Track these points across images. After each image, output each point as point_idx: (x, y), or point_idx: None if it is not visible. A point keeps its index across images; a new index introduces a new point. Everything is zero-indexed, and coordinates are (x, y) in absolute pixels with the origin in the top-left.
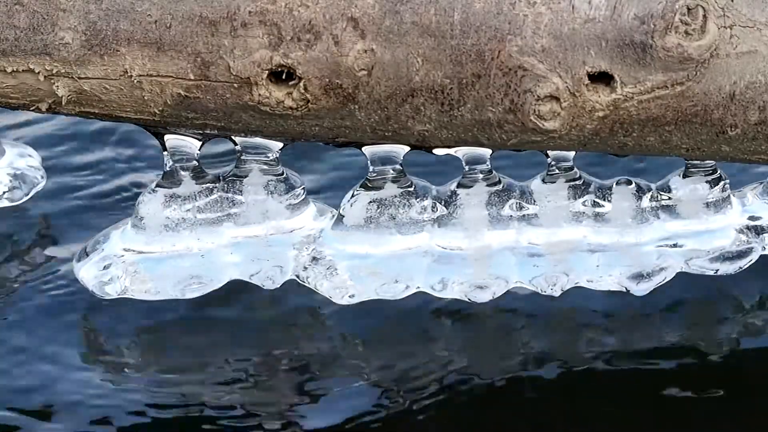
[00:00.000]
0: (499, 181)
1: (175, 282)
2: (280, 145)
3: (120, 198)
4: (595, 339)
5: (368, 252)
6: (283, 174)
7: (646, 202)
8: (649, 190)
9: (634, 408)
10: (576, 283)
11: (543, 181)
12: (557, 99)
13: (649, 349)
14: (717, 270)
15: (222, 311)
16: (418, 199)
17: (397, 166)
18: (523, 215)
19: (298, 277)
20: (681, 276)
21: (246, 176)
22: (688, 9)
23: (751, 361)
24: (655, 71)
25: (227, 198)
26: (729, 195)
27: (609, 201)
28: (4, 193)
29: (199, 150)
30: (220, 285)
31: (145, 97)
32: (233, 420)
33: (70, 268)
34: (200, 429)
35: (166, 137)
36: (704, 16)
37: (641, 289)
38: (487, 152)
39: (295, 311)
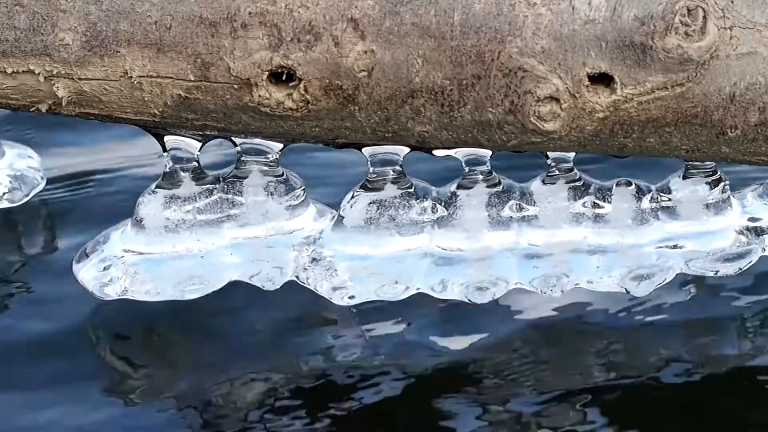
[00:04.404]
0: (499, 182)
1: (175, 283)
2: (280, 146)
3: (120, 199)
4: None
5: (368, 253)
6: (283, 175)
7: (646, 203)
8: (649, 191)
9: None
10: (576, 284)
11: (543, 182)
12: (557, 100)
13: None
14: (717, 271)
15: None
16: (418, 200)
17: (397, 167)
18: (523, 216)
19: (298, 278)
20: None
21: (246, 177)
22: (688, 10)
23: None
24: (655, 72)
25: (227, 199)
26: (729, 196)
27: (609, 202)
28: (3, 194)
29: (199, 151)
30: (220, 286)
31: (145, 98)
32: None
33: (70, 269)
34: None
35: (166, 138)
36: (704, 18)
37: (641, 290)
38: (487, 153)
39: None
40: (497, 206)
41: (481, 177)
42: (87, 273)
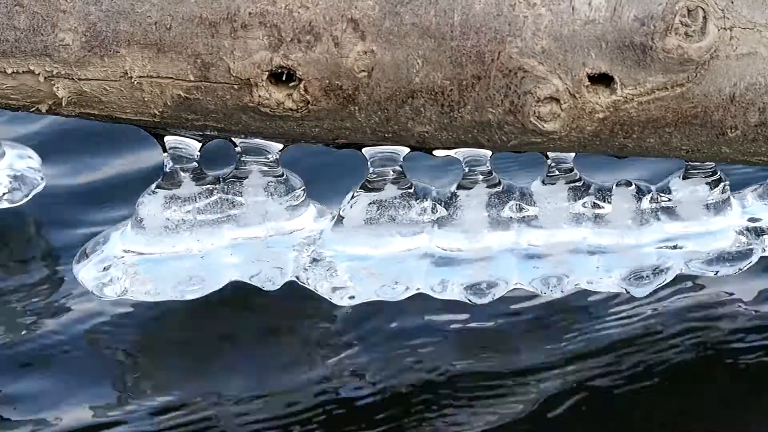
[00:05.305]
0: (499, 183)
1: (174, 283)
2: (280, 146)
3: (120, 199)
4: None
5: (368, 253)
6: (283, 175)
7: (645, 203)
8: (649, 191)
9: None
10: (576, 285)
11: (543, 182)
12: (557, 100)
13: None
14: (717, 272)
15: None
16: (418, 201)
17: (397, 167)
18: (523, 217)
19: (298, 278)
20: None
21: (246, 178)
22: (689, 10)
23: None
24: (655, 73)
25: (227, 199)
26: (729, 196)
27: (609, 202)
28: (3, 194)
29: (199, 151)
30: (220, 286)
31: (145, 99)
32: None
33: (70, 269)
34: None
35: (166, 138)
36: (704, 18)
37: (641, 290)
38: (487, 153)
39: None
40: (497, 206)
41: (481, 177)
42: (87, 273)
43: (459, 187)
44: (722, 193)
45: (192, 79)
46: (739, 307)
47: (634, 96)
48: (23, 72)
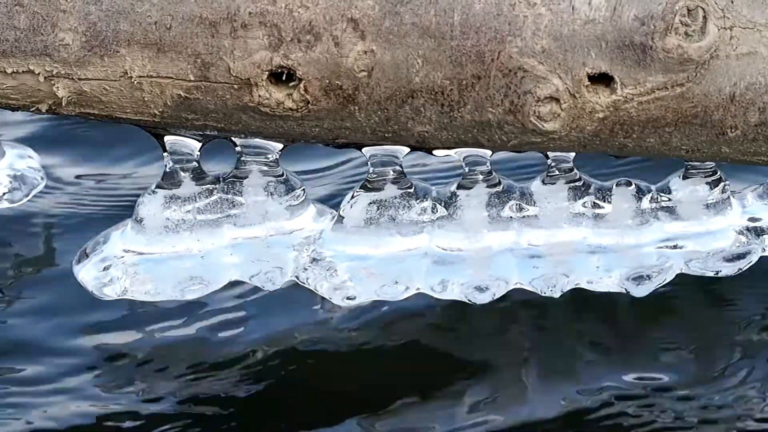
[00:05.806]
0: (499, 183)
1: (174, 283)
2: (280, 146)
3: (120, 199)
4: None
5: (368, 253)
6: (283, 175)
7: (646, 203)
8: (649, 191)
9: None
10: (576, 285)
11: (543, 182)
12: (557, 100)
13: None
14: (717, 271)
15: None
16: (418, 201)
17: (397, 167)
18: (523, 216)
19: (298, 278)
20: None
21: (246, 177)
22: (688, 10)
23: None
24: (655, 72)
25: (227, 199)
26: (729, 196)
27: (609, 202)
28: (4, 194)
29: (199, 151)
30: (220, 286)
31: (145, 98)
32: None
33: (70, 269)
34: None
35: (166, 138)
36: (704, 18)
37: (641, 290)
38: (487, 153)
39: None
40: (497, 206)
41: (481, 177)
42: (87, 273)
43: (459, 186)
44: (722, 192)
45: (192, 78)
46: None
47: (634, 96)
48: (23, 72)
